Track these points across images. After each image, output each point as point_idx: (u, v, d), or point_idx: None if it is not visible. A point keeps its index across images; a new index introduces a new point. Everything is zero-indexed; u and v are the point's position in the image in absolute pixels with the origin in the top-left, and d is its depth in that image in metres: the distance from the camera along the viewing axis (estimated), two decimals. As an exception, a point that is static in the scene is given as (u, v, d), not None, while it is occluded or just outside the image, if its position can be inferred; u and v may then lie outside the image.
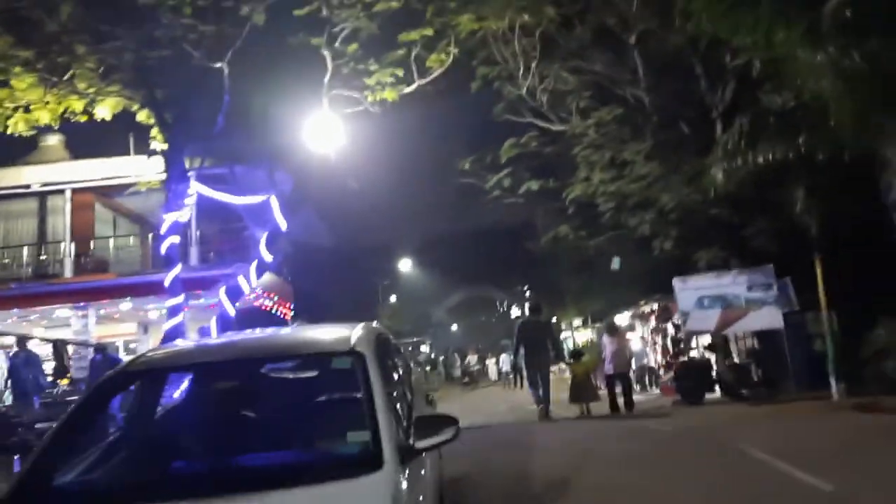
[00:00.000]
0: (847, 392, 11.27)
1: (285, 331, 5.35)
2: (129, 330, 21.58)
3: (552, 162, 17.03)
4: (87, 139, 20.87)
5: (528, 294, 55.53)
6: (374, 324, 4.73)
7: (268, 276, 21.97)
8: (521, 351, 12.42)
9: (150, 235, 19.66)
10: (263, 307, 20.55)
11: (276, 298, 20.69)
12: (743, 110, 12.24)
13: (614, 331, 14.14)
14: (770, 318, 15.52)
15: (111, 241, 19.31)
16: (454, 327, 66.43)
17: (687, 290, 16.43)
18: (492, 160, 16.94)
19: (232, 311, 15.07)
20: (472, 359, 36.60)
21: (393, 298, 46.08)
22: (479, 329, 65.91)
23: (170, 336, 14.94)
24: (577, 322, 35.70)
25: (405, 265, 41.57)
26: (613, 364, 13.40)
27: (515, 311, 63.69)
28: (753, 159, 9.53)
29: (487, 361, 38.97)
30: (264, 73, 13.64)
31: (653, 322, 24.55)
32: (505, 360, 30.37)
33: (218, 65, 12.85)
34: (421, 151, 18.56)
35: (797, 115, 9.24)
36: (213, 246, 18.94)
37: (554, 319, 41.85)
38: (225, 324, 15.02)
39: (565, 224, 16.82)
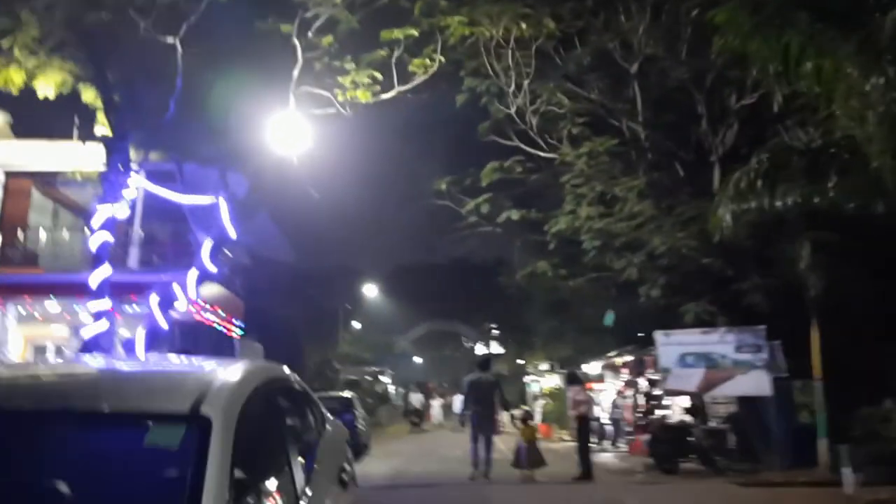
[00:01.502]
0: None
1: (123, 366, 3.74)
2: (61, 333, 19.50)
3: (536, 191, 15.69)
4: (36, 122, 19.11)
5: (494, 333, 54.20)
6: (271, 366, 3.17)
7: (217, 289, 20.23)
8: (470, 409, 12.10)
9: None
10: (206, 322, 18.72)
11: (221, 314, 18.88)
12: (754, 150, 10.98)
13: (579, 380, 12.89)
14: (757, 382, 14.26)
15: (42, 232, 17.33)
16: (418, 359, 64.41)
17: (670, 344, 15.12)
18: (471, 183, 15.52)
19: (164, 324, 13.30)
20: (415, 398, 34.10)
21: (357, 325, 44.18)
22: (443, 362, 64.14)
23: (89, 345, 13.13)
24: (545, 366, 34.23)
25: (370, 290, 39.71)
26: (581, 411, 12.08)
27: (481, 349, 62.23)
28: (770, 202, 8.21)
29: (432, 402, 36.45)
30: (225, 58, 12.14)
31: (624, 375, 23.20)
32: (457, 400, 28.35)
33: (170, 40, 11.31)
34: (394, 166, 17.16)
35: (826, 156, 7.96)
36: (158, 248, 17.15)
37: (521, 361, 40.54)
38: (154, 336, 13.24)
39: (544, 260, 15.41)
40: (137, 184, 13.61)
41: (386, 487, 9.00)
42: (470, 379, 12.95)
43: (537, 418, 29.32)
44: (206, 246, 13.50)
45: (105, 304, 13.38)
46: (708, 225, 13.40)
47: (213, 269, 13.48)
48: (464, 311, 52.94)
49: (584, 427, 11.76)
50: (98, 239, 13.28)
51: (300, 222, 20.24)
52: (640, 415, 20.99)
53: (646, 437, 14.40)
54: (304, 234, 22.65)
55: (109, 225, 13.45)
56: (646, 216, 13.60)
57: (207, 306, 17.94)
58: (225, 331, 20.18)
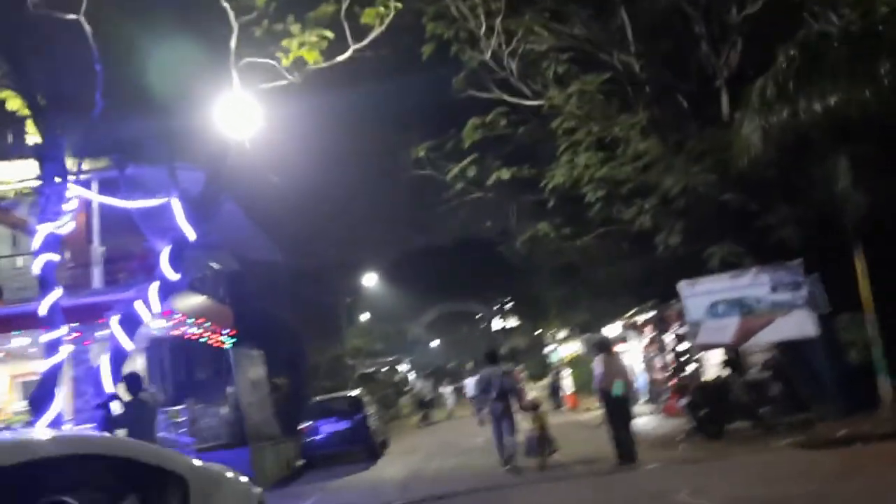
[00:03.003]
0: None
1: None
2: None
3: (526, 147, 14.04)
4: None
5: (508, 306, 52.81)
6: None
7: (200, 300, 18.76)
8: (486, 405, 11.88)
9: (67, 253, 16.24)
10: (186, 336, 17.25)
11: (206, 325, 17.40)
12: (765, 66, 9.33)
13: (608, 348, 11.07)
14: (800, 324, 12.73)
15: (-3, 262, 15.84)
16: (434, 343, 63.12)
17: (697, 295, 13.56)
18: (453, 147, 13.88)
19: (129, 345, 11.84)
20: (422, 385, 31.84)
21: (364, 316, 42.76)
22: (460, 343, 62.92)
23: (47, 380, 11.69)
24: (562, 334, 32.75)
25: (371, 280, 38.10)
26: (610, 384, 10.24)
27: (497, 324, 60.88)
28: (808, 107, 6.59)
29: (441, 389, 34.45)
30: (147, 36, 10.54)
31: (648, 334, 21.69)
32: (470, 384, 26.34)
33: (71, 16, 9.72)
34: (365, 139, 15.53)
35: (871, 39, 6.33)
36: (125, 265, 15.64)
37: (537, 332, 39.09)
38: (119, 361, 11.79)
39: (545, 221, 13.82)
40: (77, 194, 12.10)
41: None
42: (480, 375, 12.64)
43: (565, 388, 27.93)
44: (165, 253, 12.01)
45: (59, 332, 11.94)
46: (724, 156, 11.89)
47: (174, 277, 11.99)
48: (474, 289, 51.50)
49: (613, 405, 10.08)
50: (41, 261, 11.82)
51: (280, 219, 18.70)
52: (671, 375, 19.56)
53: (682, 400, 12.86)
54: (288, 232, 21.10)
55: (52, 244, 11.95)
56: (652, 156, 11.98)
57: (189, 319, 16.47)
58: (213, 343, 18.73)
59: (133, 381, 8.23)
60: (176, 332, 16.62)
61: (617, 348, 23.66)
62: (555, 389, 28.45)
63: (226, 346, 19.63)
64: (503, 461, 11.30)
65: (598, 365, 10.52)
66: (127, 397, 8.06)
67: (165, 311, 15.05)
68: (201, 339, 17.81)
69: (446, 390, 30.98)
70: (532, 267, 21.09)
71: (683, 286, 13.62)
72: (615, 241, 14.08)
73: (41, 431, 5.66)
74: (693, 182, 11.67)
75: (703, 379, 17.59)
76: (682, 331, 20.01)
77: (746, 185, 12.02)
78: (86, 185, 13.99)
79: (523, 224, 14.96)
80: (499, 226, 18.86)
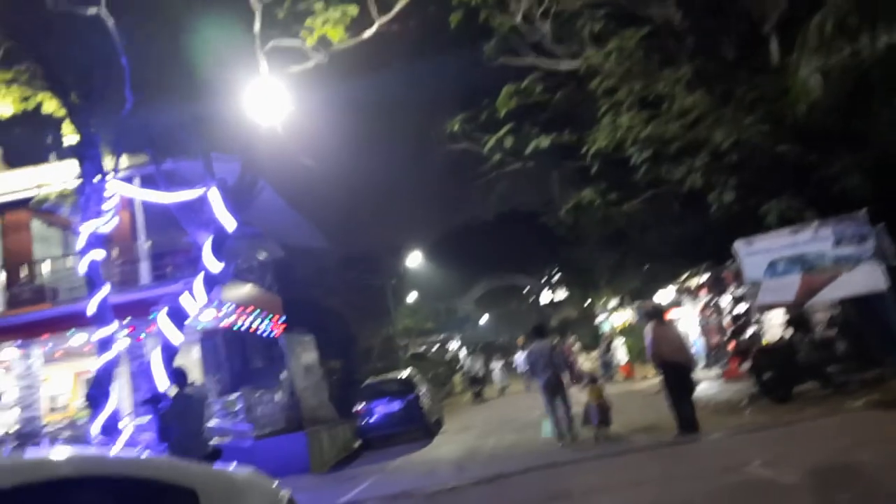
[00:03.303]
0: None
1: None
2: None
3: (564, 113, 13.49)
4: (23, 150, 17.94)
5: (556, 278, 52.15)
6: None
7: (248, 289, 18.89)
8: (538, 378, 11.85)
9: (116, 251, 16.47)
10: (238, 325, 17.37)
11: (256, 313, 17.50)
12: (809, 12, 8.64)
13: (660, 315, 10.50)
14: (868, 277, 11.94)
15: (48, 263, 16.15)
16: (484, 319, 62.91)
17: (755, 254, 12.88)
18: (488, 117, 13.43)
19: (178, 338, 11.91)
20: (473, 362, 30.73)
21: (412, 297, 42.75)
22: (509, 318, 62.61)
23: (101, 377, 11.87)
24: (613, 303, 32.08)
25: (414, 259, 37.93)
26: (667, 353, 9.72)
27: (545, 297, 60.30)
28: (872, 43, 5.99)
29: (491, 365, 33.51)
30: (170, 25, 10.40)
31: (704, 297, 21.01)
32: (521, 359, 25.82)
33: (92, 11, 9.62)
34: (395, 117, 15.18)
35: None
36: (169, 259, 15.79)
37: (587, 303, 38.47)
38: (170, 355, 11.87)
39: (589, 188, 13.30)
40: (117, 191, 12.16)
41: (444, 492, 7.37)
42: (529, 349, 12.66)
43: (619, 358, 27.40)
44: (207, 245, 11.99)
45: (110, 329, 12.09)
46: (778, 104, 11.19)
47: (217, 268, 11.98)
48: (520, 263, 50.99)
49: (671, 373, 9.60)
50: (87, 260, 11.95)
51: (321, 205, 18.64)
52: (729, 338, 18.90)
53: (745, 364, 12.32)
54: (331, 218, 21.11)
55: (96, 242, 12.07)
56: (700, 110, 11.33)
57: (239, 309, 16.57)
58: (268, 332, 18.87)
59: (178, 376, 8.20)
60: (227, 323, 16.77)
61: (671, 314, 23.20)
62: (606, 359, 27.95)
63: (277, 334, 19.78)
64: (558, 436, 11.35)
65: (649, 333, 10.05)
66: (173, 392, 8.03)
67: (214, 303, 15.20)
68: (253, 328, 17.95)
69: (496, 366, 30.41)
70: (578, 236, 20.53)
71: (739, 246, 12.98)
72: (664, 203, 13.50)
73: (34, 451, 5.58)
74: (745, 135, 11.01)
75: (764, 341, 17.00)
76: (739, 292, 19.32)
77: (803, 135, 11.31)
78: (126, 181, 14.10)
79: (566, 192, 14.46)
80: (541, 196, 18.38)
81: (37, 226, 16.49)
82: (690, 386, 9.66)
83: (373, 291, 30.24)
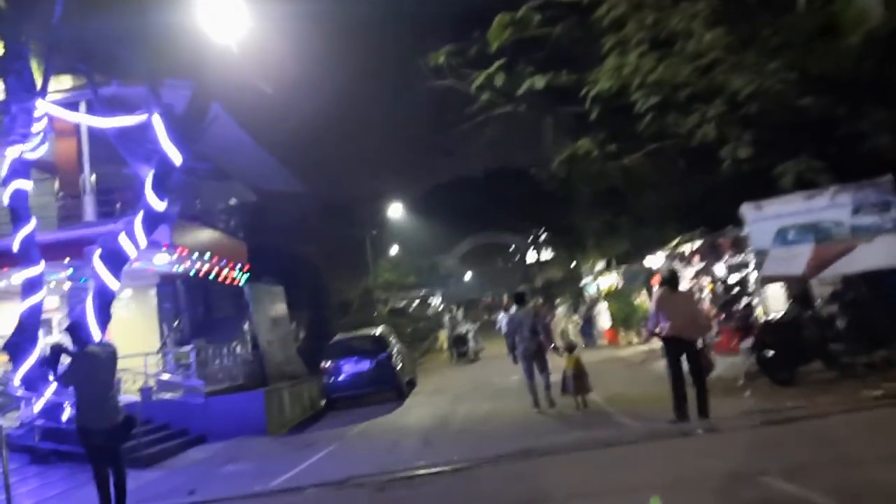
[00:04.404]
0: None
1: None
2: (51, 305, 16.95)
3: (564, 49, 11.95)
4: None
5: (542, 237, 50.99)
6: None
7: (210, 234, 17.44)
8: (515, 343, 11.65)
9: (57, 182, 14.88)
10: (197, 272, 15.98)
11: (215, 260, 16.10)
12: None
13: (675, 282, 8.96)
14: (889, 251, 10.80)
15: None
16: (468, 276, 61.86)
17: (764, 219, 11.72)
18: (477, 52, 11.88)
19: (114, 284, 10.56)
20: (454, 319, 28.26)
21: (393, 250, 41.43)
22: (494, 275, 61.67)
23: (25, 323, 10.53)
24: (600, 266, 30.98)
25: (396, 211, 36.34)
26: (675, 327, 8.30)
27: (531, 256, 59.27)
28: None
29: (470, 326, 29.79)
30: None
31: (697, 264, 19.87)
32: (503, 320, 24.44)
33: None
34: (373, 45, 13.59)
35: None
36: (119, 195, 14.26)
37: (574, 265, 37.37)
38: (105, 301, 10.54)
39: (586, 138, 11.89)
40: (46, 111, 10.61)
41: (398, 482, 6.15)
42: (510, 316, 12.39)
43: (602, 323, 26.43)
44: (149, 180, 10.56)
45: (36, 269, 10.72)
46: (805, 51, 9.83)
47: (160, 206, 10.57)
48: (507, 221, 49.74)
49: (678, 351, 8.17)
50: (11, 189, 10.49)
51: (293, 145, 17.08)
52: (721, 309, 17.85)
53: (746, 342, 11.17)
54: (305, 160, 19.55)
55: (22, 169, 10.60)
56: (718, 52, 9.91)
57: (196, 255, 15.17)
58: (226, 279, 17.51)
59: (77, 331, 6.89)
60: (183, 268, 15.41)
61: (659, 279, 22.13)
62: (588, 324, 26.94)
63: (241, 283, 18.45)
64: (534, 402, 11.22)
65: (654, 302, 8.64)
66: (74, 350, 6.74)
67: (167, 246, 13.80)
68: (213, 275, 16.59)
69: (471, 328, 28.38)
70: (569, 193, 19.22)
71: (747, 210, 11.76)
72: (668, 158, 12.17)
73: None
74: (767, 83, 9.63)
75: (757, 312, 15.95)
76: (735, 261, 18.22)
77: (831, 85, 9.97)
78: (68, 107, 12.52)
79: (560, 142, 13.05)
80: (532, 146, 16.93)
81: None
82: (705, 366, 8.27)
83: (351, 242, 28.87)
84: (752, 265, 17.18)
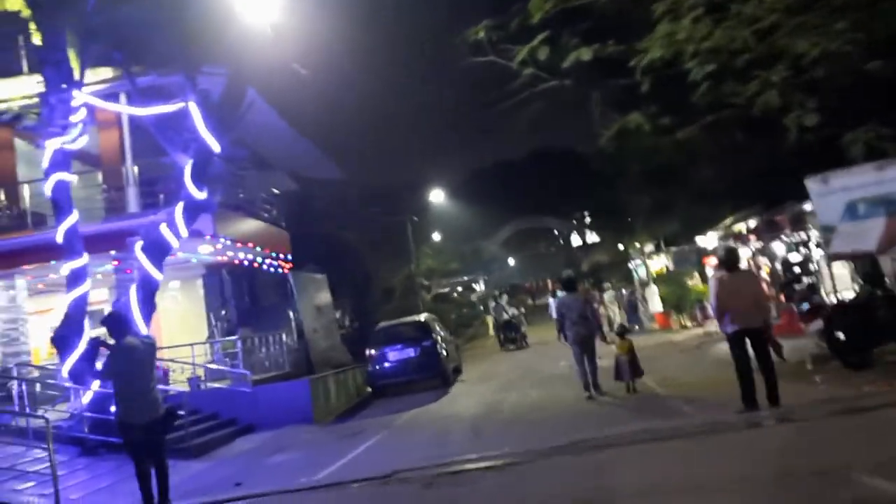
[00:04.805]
0: None
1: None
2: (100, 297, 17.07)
3: (611, 17, 11.28)
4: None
5: (587, 220, 50.12)
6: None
7: (253, 224, 17.36)
8: (564, 329, 11.47)
9: (101, 174, 14.94)
10: (241, 262, 15.93)
11: (260, 249, 16.02)
12: None
13: (733, 262, 8.39)
14: (970, 224, 9.98)
15: (27, 187, 14.60)
16: (511, 261, 61.25)
17: (831, 193, 10.95)
18: (519, 26, 11.28)
19: (157, 274, 10.47)
20: (500, 304, 25.90)
21: (436, 236, 41.12)
22: (537, 260, 60.95)
23: (72, 315, 10.53)
24: (649, 248, 30.13)
25: (437, 196, 35.82)
26: (736, 316, 7.55)
27: (576, 240, 58.32)
28: None
29: (517, 310, 28.39)
30: None
31: (754, 243, 19.00)
32: (553, 304, 23.26)
33: None
34: (411, 20, 13.16)
35: None
36: (161, 186, 14.20)
37: (621, 248, 36.52)
38: (148, 292, 10.47)
39: (636, 112, 11.24)
40: (84, 101, 10.52)
41: (445, 477, 5.81)
42: (559, 301, 12.33)
43: (653, 307, 25.65)
44: (188, 169, 10.40)
45: (80, 261, 10.69)
46: (868, 14, 9.06)
47: (199, 196, 10.41)
48: (551, 204, 48.96)
49: (741, 341, 7.52)
50: (53, 181, 10.46)
51: (335, 132, 16.77)
52: (781, 290, 17.05)
53: (815, 324, 10.48)
54: (346, 147, 19.27)
55: (63, 160, 10.54)
56: (779, 13, 9.18)
57: (234, 244, 15.08)
58: (274, 267, 17.44)
59: (114, 324, 6.71)
60: (227, 258, 15.36)
61: (712, 259, 21.25)
62: (632, 307, 26.09)
63: (285, 272, 18.38)
64: (584, 388, 11.01)
65: (713, 288, 7.96)
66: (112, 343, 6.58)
67: (210, 236, 13.73)
68: (257, 265, 16.53)
69: (517, 312, 26.94)
70: (617, 172, 18.55)
71: (813, 183, 11.02)
72: (725, 131, 11.45)
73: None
74: (834, 44, 8.88)
75: (822, 293, 15.16)
76: (794, 238, 17.36)
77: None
78: (109, 99, 12.49)
79: (609, 117, 12.38)
80: (578, 123, 16.28)
81: (21, 146, 14.99)
82: (773, 349, 7.58)
83: (393, 229, 28.63)
84: (814, 243, 16.41)
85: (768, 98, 9.37)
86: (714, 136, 11.64)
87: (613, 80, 12.21)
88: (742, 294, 7.52)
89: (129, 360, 6.32)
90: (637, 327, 23.91)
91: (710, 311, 20.78)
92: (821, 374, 9.63)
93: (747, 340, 7.51)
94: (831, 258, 11.72)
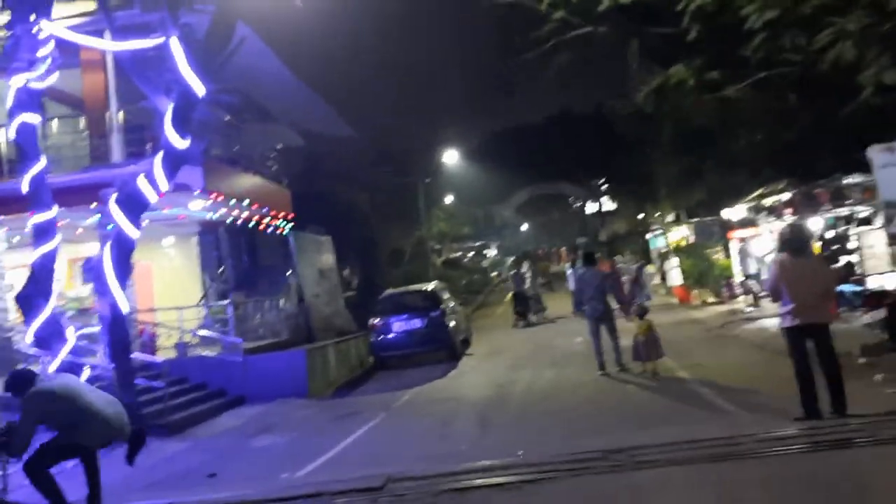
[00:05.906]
0: None
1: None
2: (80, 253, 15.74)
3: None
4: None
5: (604, 187, 48.52)
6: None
7: (251, 180, 16.20)
8: (585, 304, 11.17)
9: (84, 120, 13.75)
10: (238, 220, 14.81)
11: (253, 206, 14.89)
12: None
13: (801, 244, 6.61)
14: None
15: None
16: (525, 227, 59.90)
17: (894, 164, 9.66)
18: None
19: (133, 232, 9.37)
20: (524, 276, 22.06)
21: (448, 199, 39.78)
22: (551, 226, 59.49)
23: (38, 273, 9.48)
24: (670, 218, 28.77)
25: (451, 157, 34.29)
26: (800, 308, 6.17)
27: (591, 207, 56.76)
28: None
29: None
30: None
31: (789, 217, 17.66)
32: (571, 276, 21.65)
33: None
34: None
35: None
36: (148, 133, 13.00)
37: (641, 217, 35.16)
38: (124, 250, 9.39)
39: (679, 65, 9.93)
40: (51, 32, 9.28)
41: (449, 495, 4.75)
42: (578, 274, 12.15)
43: (673, 280, 24.40)
44: (168, 114, 9.21)
45: (48, 214, 9.60)
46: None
47: (181, 144, 9.23)
48: (567, 170, 47.32)
49: (802, 337, 6.21)
50: (17, 122, 9.30)
51: (343, 84, 15.48)
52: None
53: (877, 312, 9.27)
54: (357, 103, 17.95)
55: (30, 100, 9.37)
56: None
57: (231, 201, 13.96)
58: (270, 228, 16.34)
59: (17, 383, 5.30)
60: (220, 215, 14.26)
61: (739, 233, 19.94)
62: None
63: (284, 232, 17.29)
64: (599, 365, 10.75)
65: (774, 272, 6.54)
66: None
67: (200, 190, 12.61)
68: (254, 223, 15.44)
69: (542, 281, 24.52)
70: (643, 137, 17.13)
71: (877, 153, 9.74)
72: (778, 90, 10.13)
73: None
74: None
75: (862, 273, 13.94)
76: (833, 213, 16.07)
77: None
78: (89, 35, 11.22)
79: (647, 70, 11.08)
80: (608, 79, 14.86)
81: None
82: (832, 357, 6.26)
83: (404, 190, 27.37)
84: (857, 219, 15.12)
85: (842, 50, 8.03)
86: (763, 96, 10.31)
87: (655, 28, 10.93)
88: (808, 283, 6.22)
89: (51, 403, 5.07)
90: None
91: (736, 290, 19.78)
92: (880, 371, 8.44)
93: (809, 337, 6.29)
94: (893, 238, 10.43)
